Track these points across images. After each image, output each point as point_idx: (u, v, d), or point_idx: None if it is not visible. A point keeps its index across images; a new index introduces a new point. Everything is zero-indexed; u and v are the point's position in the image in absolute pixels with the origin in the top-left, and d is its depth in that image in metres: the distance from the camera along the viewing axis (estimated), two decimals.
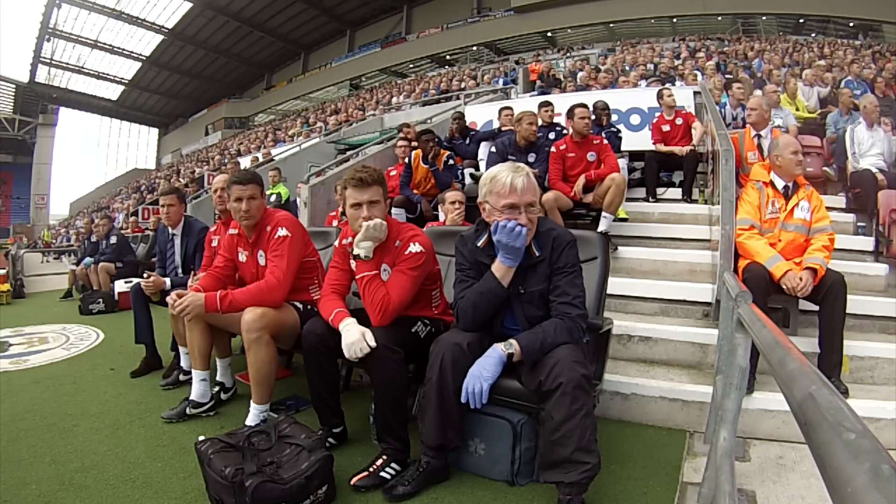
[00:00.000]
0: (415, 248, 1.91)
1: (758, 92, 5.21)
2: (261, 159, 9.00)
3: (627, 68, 9.03)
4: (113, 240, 6.40)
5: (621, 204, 3.70)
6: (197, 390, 2.39)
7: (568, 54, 14.96)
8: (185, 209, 3.33)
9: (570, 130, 3.87)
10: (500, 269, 1.70)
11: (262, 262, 2.32)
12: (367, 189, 1.88)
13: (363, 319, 1.87)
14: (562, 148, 3.79)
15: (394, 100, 12.12)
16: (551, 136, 4.63)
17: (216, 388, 2.51)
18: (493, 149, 4.21)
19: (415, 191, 4.50)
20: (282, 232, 2.24)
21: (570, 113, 3.82)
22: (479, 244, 1.79)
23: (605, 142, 3.83)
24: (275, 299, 2.15)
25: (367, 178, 1.88)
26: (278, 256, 2.21)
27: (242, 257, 2.42)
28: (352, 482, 1.74)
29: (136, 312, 3.10)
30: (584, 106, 3.81)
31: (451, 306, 2.03)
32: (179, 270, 3.20)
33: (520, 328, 1.73)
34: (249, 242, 2.37)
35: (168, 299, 2.26)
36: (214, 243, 2.76)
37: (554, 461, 1.53)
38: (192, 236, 3.17)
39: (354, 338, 1.74)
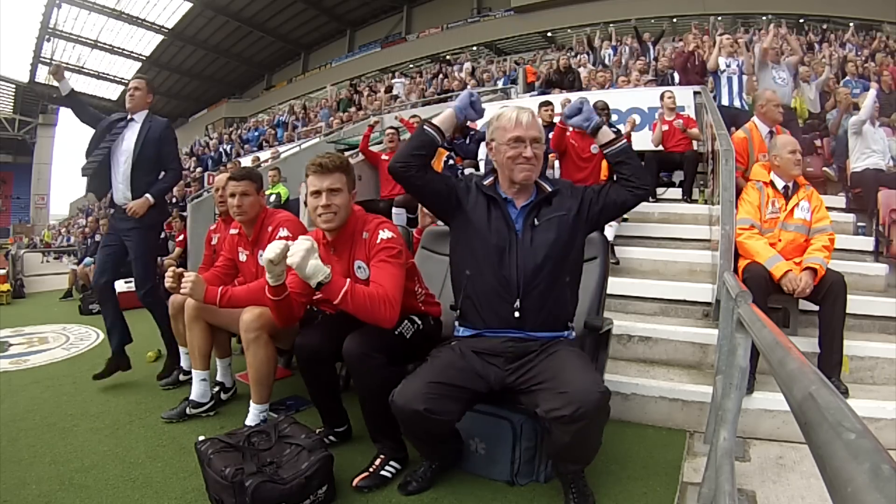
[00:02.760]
0: (385, 234, 1.79)
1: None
2: (261, 158, 8.99)
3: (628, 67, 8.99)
4: None
5: None
6: (197, 390, 2.39)
7: (568, 54, 14.93)
8: (152, 99, 3.06)
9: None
10: (445, 113, 1.75)
11: (261, 262, 2.31)
12: (328, 175, 1.76)
13: (346, 328, 1.75)
14: (567, 131, 3.91)
15: (394, 90, 11.99)
16: (551, 135, 4.63)
17: (216, 388, 2.51)
18: None
19: None
20: (283, 233, 2.24)
21: (566, 70, 3.90)
22: (486, 182, 1.76)
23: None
24: None
25: (329, 163, 1.77)
26: None
27: (243, 257, 2.42)
28: (354, 484, 1.73)
29: (107, 308, 2.87)
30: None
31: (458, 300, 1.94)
32: (129, 171, 2.77)
33: (532, 262, 1.62)
34: (249, 241, 2.37)
35: (168, 274, 2.08)
36: (214, 241, 2.77)
37: (568, 459, 1.59)
38: (155, 130, 2.84)
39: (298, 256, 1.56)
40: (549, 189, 1.70)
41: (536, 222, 1.66)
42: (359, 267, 1.81)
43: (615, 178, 1.72)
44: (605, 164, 3.75)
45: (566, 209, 1.67)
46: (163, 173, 2.91)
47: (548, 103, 5.14)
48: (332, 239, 1.86)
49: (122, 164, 2.78)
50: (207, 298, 2.07)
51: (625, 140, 1.70)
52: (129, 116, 2.86)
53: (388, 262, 1.74)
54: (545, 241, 1.63)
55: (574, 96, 4.64)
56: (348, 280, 1.64)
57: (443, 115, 1.76)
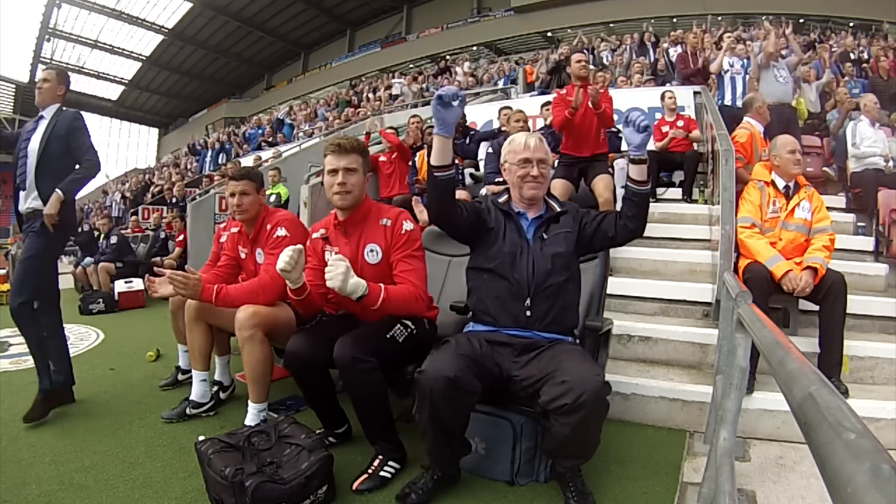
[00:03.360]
0: (409, 225, 1.91)
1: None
2: (263, 158, 8.99)
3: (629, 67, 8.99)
4: (113, 239, 6.39)
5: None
6: (197, 390, 2.39)
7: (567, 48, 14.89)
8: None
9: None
10: (434, 144, 1.66)
11: (259, 259, 2.34)
12: (345, 156, 1.87)
13: (338, 333, 1.81)
14: (563, 93, 3.77)
15: (394, 90, 11.99)
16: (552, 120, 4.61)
17: (214, 388, 2.51)
18: (490, 149, 4.24)
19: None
20: (281, 232, 2.26)
21: (568, 60, 3.85)
22: (500, 200, 1.91)
23: (610, 94, 3.78)
24: (268, 297, 2.15)
25: (346, 144, 1.89)
26: (274, 255, 2.21)
27: (242, 254, 2.45)
28: (354, 488, 1.72)
29: (28, 338, 2.43)
30: (581, 51, 3.83)
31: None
32: (34, 174, 2.42)
33: (542, 270, 1.74)
34: (249, 240, 2.39)
35: (168, 277, 2.10)
36: (223, 239, 2.80)
37: (567, 454, 1.61)
38: (63, 124, 2.46)
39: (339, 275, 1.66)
40: (559, 209, 1.87)
41: (545, 235, 1.81)
42: (371, 250, 1.89)
43: (619, 210, 1.81)
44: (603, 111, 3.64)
45: (570, 227, 1.83)
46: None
47: (549, 104, 5.13)
48: (343, 220, 1.93)
49: (28, 167, 2.41)
50: (203, 297, 2.10)
51: (649, 187, 1.78)
52: (39, 114, 2.50)
53: (415, 256, 1.88)
54: (553, 251, 1.77)
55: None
56: (382, 287, 1.75)
57: (435, 147, 1.66)
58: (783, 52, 5.23)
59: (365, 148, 1.95)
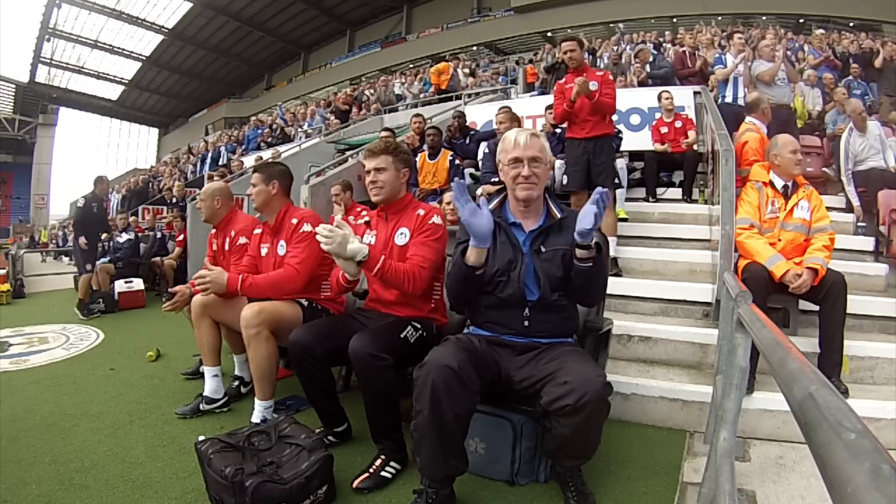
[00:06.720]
0: (437, 220, 2.02)
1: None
2: (265, 157, 8.97)
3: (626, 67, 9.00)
4: (131, 235, 6.40)
5: (615, 224, 3.63)
6: (210, 386, 2.41)
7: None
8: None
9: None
10: (471, 251, 1.63)
11: (280, 251, 2.38)
12: (374, 158, 2.04)
13: (343, 332, 1.89)
14: (561, 82, 3.69)
15: (395, 90, 11.94)
16: (554, 112, 4.58)
17: (235, 383, 2.57)
18: (487, 149, 4.24)
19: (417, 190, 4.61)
20: (307, 228, 2.31)
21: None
22: (490, 207, 1.71)
23: (610, 77, 3.62)
24: (293, 288, 2.22)
25: (375, 148, 2.07)
26: (299, 249, 2.28)
27: (264, 251, 2.49)
28: (354, 486, 1.73)
29: None
30: (570, 39, 3.64)
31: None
32: None
33: (538, 287, 1.69)
34: (270, 231, 2.46)
35: (196, 278, 2.23)
36: (215, 246, 2.86)
37: (568, 455, 1.61)
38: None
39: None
40: (559, 216, 1.75)
41: (543, 249, 1.73)
42: (401, 233, 2.05)
43: (569, 287, 1.69)
44: (603, 93, 3.48)
45: (569, 244, 1.67)
46: None
47: (549, 106, 5.12)
48: (384, 208, 2.12)
49: None
50: (229, 286, 2.19)
51: (591, 265, 1.60)
52: None
53: (429, 245, 1.97)
54: (549, 269, 1.70)
55: None
56: (382, 257, 1.86)
57: (473, 255, 1.62)
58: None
59: (396, 147, 2.10)
